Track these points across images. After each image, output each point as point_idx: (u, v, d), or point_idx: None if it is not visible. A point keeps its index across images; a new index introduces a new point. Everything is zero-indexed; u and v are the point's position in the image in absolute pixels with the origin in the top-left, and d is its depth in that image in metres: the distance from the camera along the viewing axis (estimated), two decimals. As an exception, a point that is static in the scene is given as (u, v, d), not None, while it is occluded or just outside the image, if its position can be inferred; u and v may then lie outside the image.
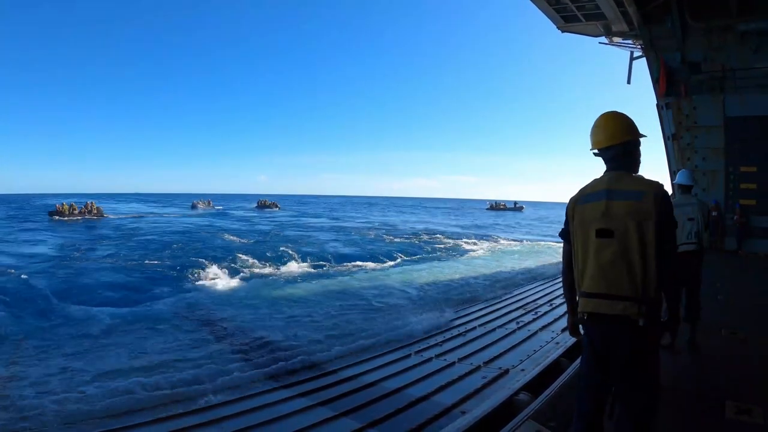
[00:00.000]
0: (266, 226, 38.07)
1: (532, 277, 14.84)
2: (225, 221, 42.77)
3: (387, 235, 32.42)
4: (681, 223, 4.68)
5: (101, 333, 8.60)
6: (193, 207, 68.28)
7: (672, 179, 13.79)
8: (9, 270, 16.11)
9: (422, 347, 6.37)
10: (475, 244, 28.35)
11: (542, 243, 30.45)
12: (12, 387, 5.72)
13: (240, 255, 19.23)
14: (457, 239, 30.37)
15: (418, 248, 25.08)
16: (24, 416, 4.79)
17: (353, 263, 19.28)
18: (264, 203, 76.16)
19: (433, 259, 21.37)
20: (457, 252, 24.50)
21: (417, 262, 20.56)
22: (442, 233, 34.61)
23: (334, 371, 5.58)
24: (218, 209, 67.93)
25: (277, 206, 73.63)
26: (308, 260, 19.50)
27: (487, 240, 31.30)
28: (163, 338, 8.28)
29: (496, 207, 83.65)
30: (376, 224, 44.11)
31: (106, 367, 6.40)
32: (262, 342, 7.75)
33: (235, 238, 27.31)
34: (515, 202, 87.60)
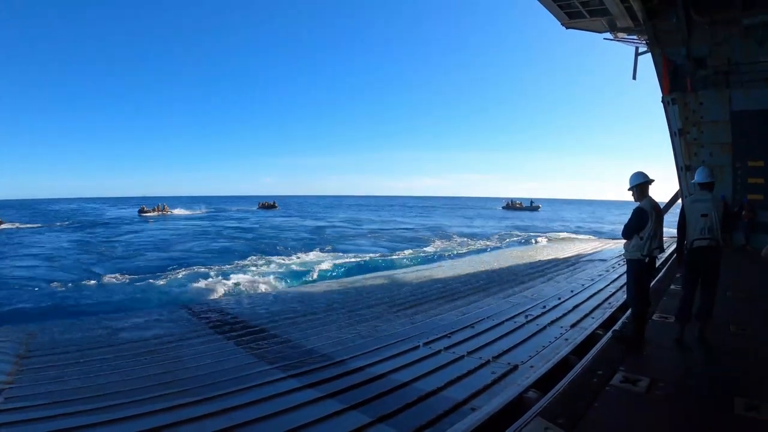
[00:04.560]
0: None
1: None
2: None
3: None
4: (694, 219, 4.69)
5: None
6: (141, 213, 58.13)
7: (679, 175, 13.73)
8: None
9: (430, 339, 6.31)
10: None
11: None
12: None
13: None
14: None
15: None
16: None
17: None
18: (265, 204, 78.58)
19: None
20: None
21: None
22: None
23: (342, 361, 5.53)
24: (173, 213, 60.84)
25: (274, 205, 76.03)
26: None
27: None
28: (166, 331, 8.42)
29: (512, 206, 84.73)
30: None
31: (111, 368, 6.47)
32: (266, 333, 7.85)
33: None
34: (531, 201, 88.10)
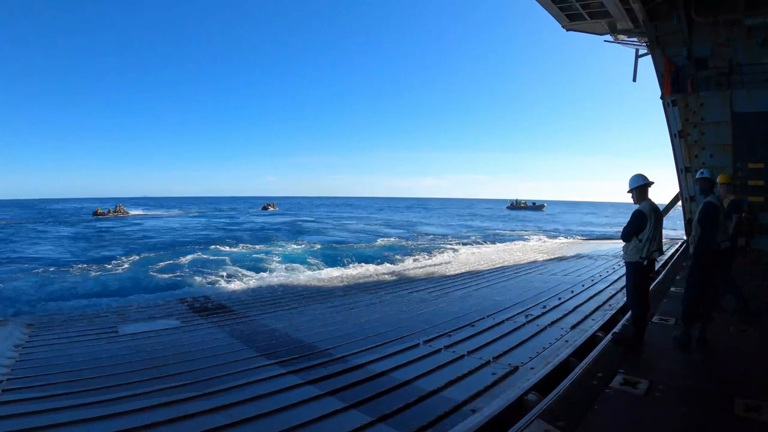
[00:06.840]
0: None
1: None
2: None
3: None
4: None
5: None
6: (96, 214, 59.86)
7: (679, 176, 13.72)
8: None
9: (431, 337, 6.30)
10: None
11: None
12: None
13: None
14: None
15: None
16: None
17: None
18: (267, 206, 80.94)
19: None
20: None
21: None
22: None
23: (342, 357, 5.52)
24: (129, 214, 61.43)
25: (271, 206, 78.80)
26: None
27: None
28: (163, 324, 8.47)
29: (516, 206, 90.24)
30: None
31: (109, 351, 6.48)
32: (265, 326, 7.85)
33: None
34: (534, 202, 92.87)
